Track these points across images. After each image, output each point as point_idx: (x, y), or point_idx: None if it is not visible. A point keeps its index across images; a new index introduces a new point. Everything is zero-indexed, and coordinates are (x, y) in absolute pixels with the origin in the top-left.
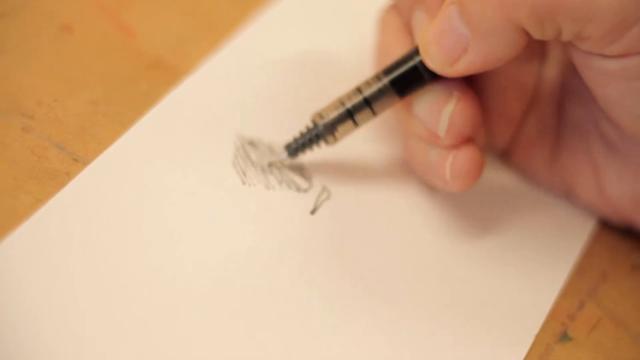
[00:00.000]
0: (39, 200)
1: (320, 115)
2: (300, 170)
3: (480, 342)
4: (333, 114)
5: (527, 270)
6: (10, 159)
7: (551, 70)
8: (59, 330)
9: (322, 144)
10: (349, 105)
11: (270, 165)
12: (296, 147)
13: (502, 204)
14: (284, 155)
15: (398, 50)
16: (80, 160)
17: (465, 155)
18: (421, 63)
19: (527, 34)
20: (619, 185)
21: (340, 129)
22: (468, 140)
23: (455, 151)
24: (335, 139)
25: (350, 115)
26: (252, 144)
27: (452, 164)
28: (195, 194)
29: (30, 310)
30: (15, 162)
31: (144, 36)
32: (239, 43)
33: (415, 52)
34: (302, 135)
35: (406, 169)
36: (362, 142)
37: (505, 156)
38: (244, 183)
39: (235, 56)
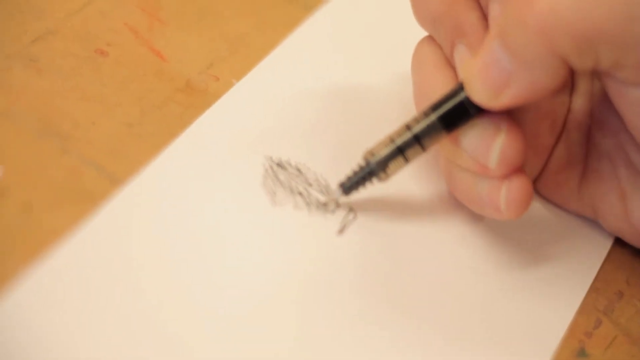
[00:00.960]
0: (77, 219)
1: (371, 152)
2: (327, 192)
3: (500, 357)
4: (384, 152)
5: (545, 289)
6: (48, 179)
7: (580, 101)
8: (93, 348)
9: (375, 180)
10: (399, 142)
11: (326, 205)
12: (350, 185)
13: (520, 225)
14: (338, 193)
15: (439, 85)
16: (116, 181)
17: (518, 185)
18: (467, 98)
19: (568, 64)
20: None
21: (392, 165)
22: (518, 169)
23: (508, 182)
24: (387, 175)
25: (401, 151)
26: (280, 165)
27: (506, 195)
28: (227, 214)
29: (67, 327)
30: (53, 182)
31: (175, 60)
32: (267, 65)
33: (460, 87)
34: (356, 173)
35: (432, 195)
36: None
37: (536, 184)
38: (273, 204)
39: (264, 78)
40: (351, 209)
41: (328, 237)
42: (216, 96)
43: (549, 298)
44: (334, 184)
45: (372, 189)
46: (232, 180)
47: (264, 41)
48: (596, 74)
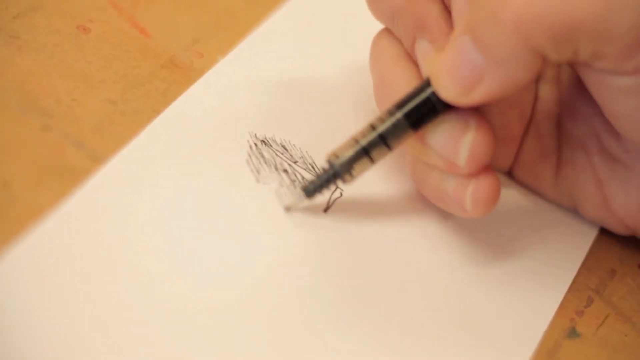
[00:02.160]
0: (60, 196)
1: (335, 155)
2: (313, 169)
3: (489, 337)
4: (349, 153)
5: (535, 268)
6: (30, 156)
7: (547, 89)
8: (76, 325)
9: (339, 183)
10: (364, 142)
11: (287, 209)
12: (314, 189)
13: (507, 212)
14: (301, 197)
15: (402, 80)
16: (98, 158)
17: (486, 183)
18: (434, 94)
19: (543, 57)
20: (625, 198)
21: (357, 167)
22: (486, 167)
23: (475, 180)
24: (352, 177)
25: (366, 152)
26: (265, 142)
27: (472, 193)
28: (211, 191)
29: (49, 304)
30: (35, 159)
31: (158, 36)
32: (253, 42)
33: (426, 83)
34: (319, 176)
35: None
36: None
37: (512, 176)
38: (258, 181)
39: (249, 55)
40: (337, 186)
41: (315, 214)
42: (201, 73)
43: (539, 277)
44: (319, 161)
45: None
46: (215, 157)
47: (250, 17)
48: (572, 64)
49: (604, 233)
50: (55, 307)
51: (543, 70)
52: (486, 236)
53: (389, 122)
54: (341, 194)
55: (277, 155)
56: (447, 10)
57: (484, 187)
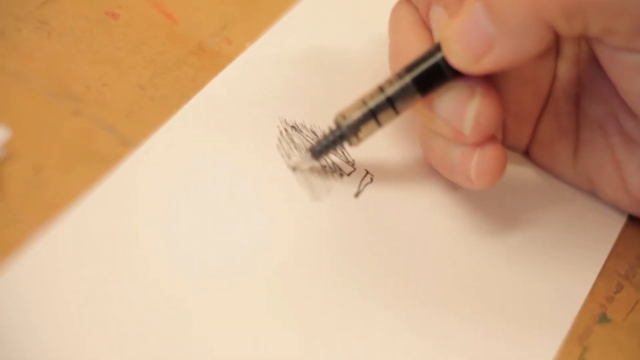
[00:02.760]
0: (90, 181)
1: (343, 116)
2: (343, 155)
3: (522, 324)
4: (356, 114)
5: (565, 254)
6: (61, 141)
7: (565, 67)
8: (107, 312)
9: (346, 145)
10: (371, 104)
11: (294, 169)
12: (320, 150)
13: (536, 196)
14: (307, 157)
15: (415, 46)
16: (129, 143)
17: (491, 154)
18: (443, 60)
19: (554, 30)
20: None
21: (364, 129)
22: (492, 137)
23: (481, 149)
24: (359, 140)
25: (373, 115)
26: (295, 127)
27: (477, 163)
28: (242, 176)
29: (78, 290)
30: (66, 144)
31: (186, 22)
32: (281, 28)
33: (437, 48)
34: (326, 137)
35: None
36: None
37: (526, 154)
38: (289, 167)
39: (277, 41)
40: (367, 172)
41: (346, 199)
42: (229, 59)
43: (569, 263)
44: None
45: (387, 153)
46: (246, 142)
47: (278, 4)
48: (585, 39)
49: (633, 219)
50: (84, 291)
51: (553, 43)
52: (516, 218)
53: (397, 86)
54: (372, 179)
55: (307, 140)
56: None
57: (490, 157)
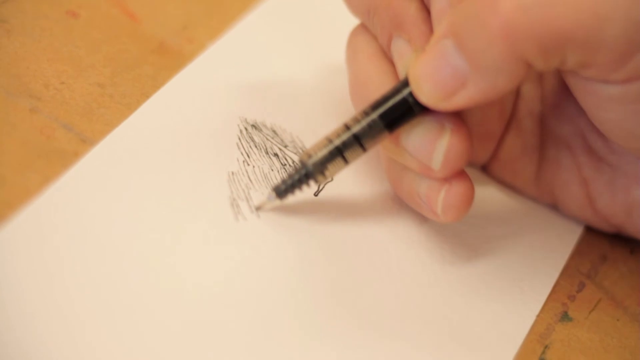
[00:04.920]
0: (48, 178)
1: (308, 154)
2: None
3: (482, 321)
4: (322, 153)
5: (527, 253)
6: (19, 139)
7: (529, 86)
8: (62, 306)
9: (312, 183)
10: (337, 142)
11: (257, 209)
12: (285, 189)
13: (495, 205)
14: (272, 196)
15: (376, 79)
16: (87, 141)
17: (459, 190)
18: (410, 96)
19: (529, 66)
20: (610, 198)
21: (330, 167)
22: (460, 172)
23: (448, 185)
24: (326, 178)
25: (339, 152)
26: (255, 126)
27: (444, 199)
28: (200, 175)
29: (35, 287)
30: (24, 142)
31: (148, 21)
32: (243, 28)
33: (403, 84)
34: (291, 176)
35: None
36: None
37: (488, 171)
38: (248, 164)
39: (238, 41)
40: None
41: (305, 198)
42: (190, 58)
43: (531, 262)
44: (310, 145)
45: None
46: (205, 141)
47: (240, 4)
48: (559, 72)
49: None
50: (41, 289)
51: (526, 77)
52: (472, 229)
53: (363, 123)
54: (332, 178)
55: (267, 139)
56: (426, 9)
57: (457, 193)
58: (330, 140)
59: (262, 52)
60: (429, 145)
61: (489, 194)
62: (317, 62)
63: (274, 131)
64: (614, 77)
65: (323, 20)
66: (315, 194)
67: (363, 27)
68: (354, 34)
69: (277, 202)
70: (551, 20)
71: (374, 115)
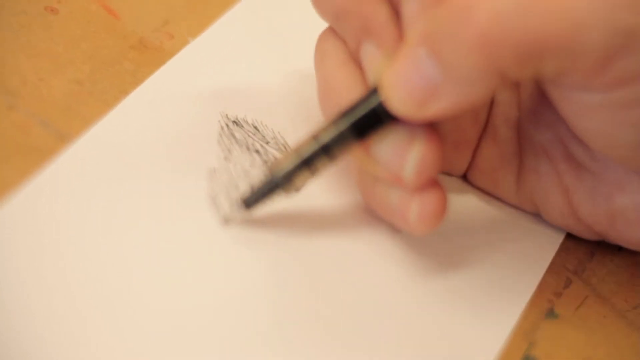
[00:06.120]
0: (25, 175)
1: (276, 165)
2: (285, 150)
3: (466, 317)
4: (289, 164)
5: (513, 248)
6: None
7: (505, 93)
8: (34, 306)
9: (281, 194)
10: (305, 155)
11: (226, 221)
12: (254, 199)
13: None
14: (241, 208)
15: (345, 86)
16: (65, 138)
17: (431, 200)
18: (380, 105)
19: (504, 76)
20: (592, 206)
21: (299, 178)
22: (433, 181)
23: (420, 195)
24: (297, 189)
25: (307, 164)
26: (236, 122)
27: (417, 209)
28: (181, 171)
29: (13, 283)
30: (1, 138)
31: (128, 17)
32: (224, 23)
33: (372, 92)
34: (259, 187)
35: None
36: None
37: (469, 180)
38: (229, 161)
39: (219, 37)
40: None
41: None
42: (170, 54)
43: (516, 258)
44: (292, 142)
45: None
46: (186, 138)
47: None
48: (535, 81)
49: None
50: (13, 285)
51: (500, 87)
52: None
53: (332, 133)
54: (301, 188)
55: (248, 135)
56: (396, 13)
57: (429, 203)
58: (297, 152)
59: (244, 48)
60: (400, 155)
61: (470, 203)
62: (300, 57)
63: (256, 127)
64: (594, 85)
65: (306, 14)
66: (297, 190)
67: (332, 31)
68: (322, 38)
69: (246, 214)
70: (528, 30)
71: (342, 125)
